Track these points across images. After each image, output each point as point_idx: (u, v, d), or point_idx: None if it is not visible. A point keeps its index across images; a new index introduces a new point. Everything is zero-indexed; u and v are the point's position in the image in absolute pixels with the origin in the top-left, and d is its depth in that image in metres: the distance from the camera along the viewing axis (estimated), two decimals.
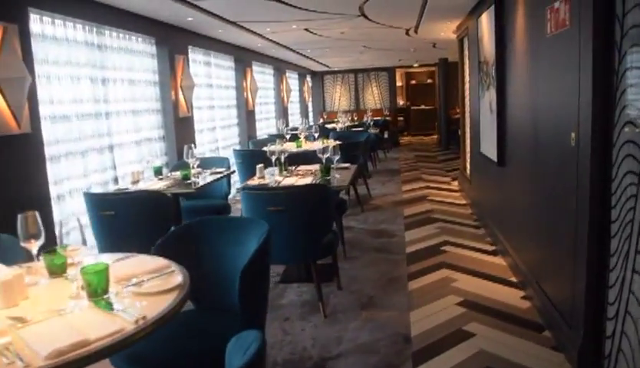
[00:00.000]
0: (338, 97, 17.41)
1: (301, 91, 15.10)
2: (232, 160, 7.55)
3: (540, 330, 3.53)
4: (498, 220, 5.44)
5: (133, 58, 5.79)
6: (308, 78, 16.34)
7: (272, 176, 4.73)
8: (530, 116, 4.05)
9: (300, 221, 3.77)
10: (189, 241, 2.79)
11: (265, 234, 2.44)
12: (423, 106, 19.40)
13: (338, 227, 5.29)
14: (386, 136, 14.40)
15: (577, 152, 2.98)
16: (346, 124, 12.11)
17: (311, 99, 16.73)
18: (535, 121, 3.93)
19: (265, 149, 5.23)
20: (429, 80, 19.73)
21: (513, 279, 4.47)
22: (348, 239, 5.88)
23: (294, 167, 5.28)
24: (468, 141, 7.72)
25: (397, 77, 18.59)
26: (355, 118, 13.85)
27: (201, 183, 4.72)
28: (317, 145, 7.42)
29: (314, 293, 4.16)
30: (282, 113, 12.11)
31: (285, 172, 4.87)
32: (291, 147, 7.36)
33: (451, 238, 5.80)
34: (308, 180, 4.44)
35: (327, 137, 8.24)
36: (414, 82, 20.21)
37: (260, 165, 4.86)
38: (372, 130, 11.38)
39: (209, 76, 7.92)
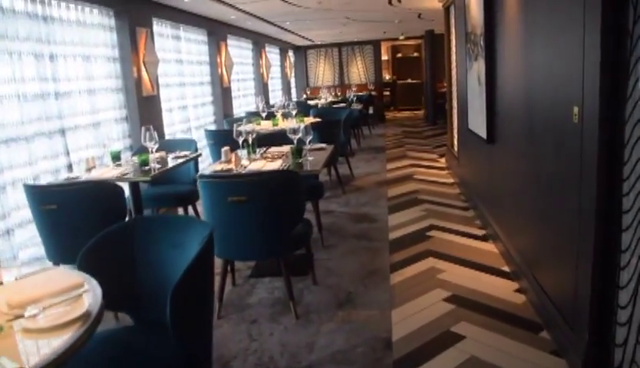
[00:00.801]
0: (322, 72, 16.83)
1: (282, 66, 14.52)
2: (204, 141, 7.10)
3: (537, 331, 3.14)
4: (488, 201, 5.03)
5: (88, 32, 5.24)
6: (291, 53, 15.75)
7: (239, 160, 4.27)
8: (524, 88, 3.60)
9: (265, 212, 3.33)
10: (124, 244, 2.34)
11: (207, 239, 1.99)
12: (409, 80, 18.91)
13: (314, 213, 4.87)
14: (371, 111, 13.93)
15: (581, 130, 2.54)
16: (328, 100, 11.63)
17: (294, 74, 16.15)
18: (529, 94, 3.48)
19: (235, 128, 4.73)
20: (415, 54, 19.20)
21: (506, 268, 4.07)
22: (327, 225, 5.46)
23: (264, 149, 4.82)
24: (455, 116, 7.28)
25: (383, 51, 18.02)
26: (339, 93, 13.32)
27: (160, 169, 4.26)
28: (294, 123, 6.96)
29: None
30: (262, 89, 11.56)
31: (253, 155, 4.41)
32: (267, 126, 6.89)
33: (438, 221, 5.39)
34: (277, 164, 3.98)
35: (305, 115, 7.76)
36: (400, 55, 19.67)
37: (226, 148, 4.40)
38: (355, 106, 10.89)
39: (178, 51, 7.37)
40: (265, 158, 4.33)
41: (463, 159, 6.57)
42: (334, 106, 10.95)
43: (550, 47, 3.03)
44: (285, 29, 11.13)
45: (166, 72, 6.93)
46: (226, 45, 9.00)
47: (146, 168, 4.30)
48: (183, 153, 4.97)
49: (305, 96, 14.96)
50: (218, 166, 4.06)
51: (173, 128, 7.00)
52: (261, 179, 3.30)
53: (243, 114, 9.42)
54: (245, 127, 7.01)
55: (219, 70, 8.67)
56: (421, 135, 12.29)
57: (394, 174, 7.95)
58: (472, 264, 4.20)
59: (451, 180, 7.21)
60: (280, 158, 4.26)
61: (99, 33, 5.43)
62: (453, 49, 7.26)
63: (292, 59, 15.95)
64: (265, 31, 11.13)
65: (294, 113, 7.22)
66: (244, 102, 10.54)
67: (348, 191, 6.96)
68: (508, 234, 4.23)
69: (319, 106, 10.55)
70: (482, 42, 4.60)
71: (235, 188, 3.26)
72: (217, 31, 8.66)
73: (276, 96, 13.12)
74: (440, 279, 3.97)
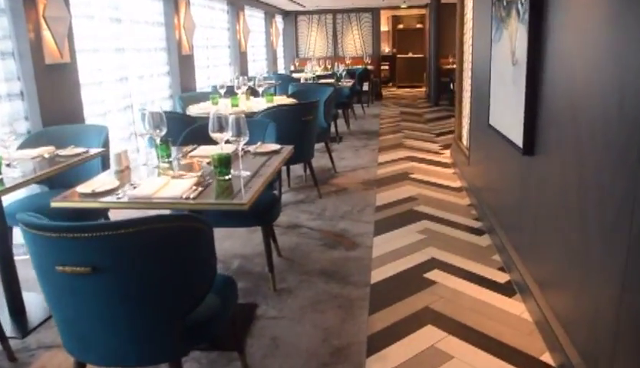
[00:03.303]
0: (314, 42, 15.12)
1: (267, 34, 12.81)
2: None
3: None
4: (513, 228, 3.52)
5: None
6: (278, 18, 14.01)
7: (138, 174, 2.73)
8: (610, 79, 2.04)
9: (132, 289, 1.80)
10: None
11: None
12: (411, 54, 17.24)
13: (264, 243, 3.36)
14: (366, 88, 12.32)
15: None
16: (316, 73, 10.02)
17: (281, 43, 14.43)
18: (626, 89, 1.93)
19: (141, 114, 3.15)
20: (418, 25, 17.50)
21: (548, 359, 2.56)
22: (289, 248, 3.98)
23: (192, 147, 3.28)
24: (467, 103, 5.70)
25: (383, 21, 16.31)
26: (329, 66, 11.67)
27: (17, 181, 2.75)
28: (260, 104, 5.40)
29: None
30: (238, 59, 9.92)
31: (163, 163, 2.87)
32: (225, 107, 5.33)
33: (441, 253, 3.88)
34: (186, 184, 2.43)
35: (272, 94, 6.16)
36: (401, 26, 17.95)
37: (119, 152, 2.86)
38: (345, 82, 9.24)
39: (115, 7, 5.75)
40: (178, 171, 2.77)
41: (477, 159, 5.02)
42: (322, 80, 9.33)
43: None
44: None
45: (96, 34, 5.34)
46: (188, 3, 7.35)
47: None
48: (80, 150, 3.46)
49: (293, 68, 13.32)
50: (94, 184, 2.50)
51: (103, 106, 5.42)
52: (120, 236, 1.74)
53: (208, 89, 7.83)
54: (196, 108, 5.47)
55: (177, 34, 7.04)
56: (422, 118, 10.71)
57: (387, 170, 6.42)
58: (496, 346, 2.69)
59: (458, 183, 5.69)
60: (198, 170, 2.72)
61: None
62: (469, 15, 5.66)
63: (280, 26, 14.23)
64: None
65: (260, 90, 5.65)
66: (214, 73, 8.92)
67: (325, 193, 5.44)
68: (545, 288, 2.74)
69: (302, 80, 8.96)
70: None
71: (69, 251, 1.72)
72: None
73: (257, 68, 11.47)
74: None
